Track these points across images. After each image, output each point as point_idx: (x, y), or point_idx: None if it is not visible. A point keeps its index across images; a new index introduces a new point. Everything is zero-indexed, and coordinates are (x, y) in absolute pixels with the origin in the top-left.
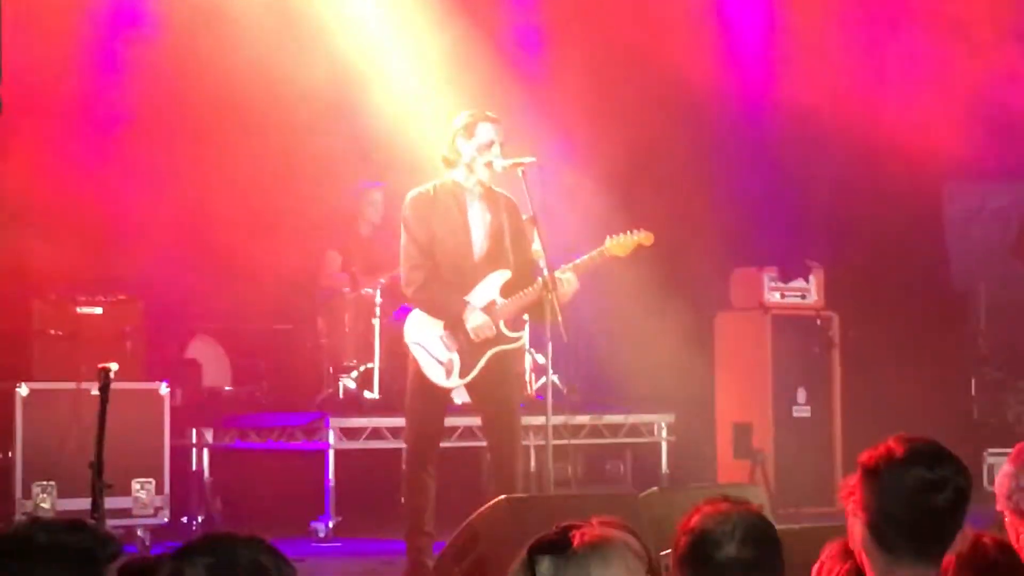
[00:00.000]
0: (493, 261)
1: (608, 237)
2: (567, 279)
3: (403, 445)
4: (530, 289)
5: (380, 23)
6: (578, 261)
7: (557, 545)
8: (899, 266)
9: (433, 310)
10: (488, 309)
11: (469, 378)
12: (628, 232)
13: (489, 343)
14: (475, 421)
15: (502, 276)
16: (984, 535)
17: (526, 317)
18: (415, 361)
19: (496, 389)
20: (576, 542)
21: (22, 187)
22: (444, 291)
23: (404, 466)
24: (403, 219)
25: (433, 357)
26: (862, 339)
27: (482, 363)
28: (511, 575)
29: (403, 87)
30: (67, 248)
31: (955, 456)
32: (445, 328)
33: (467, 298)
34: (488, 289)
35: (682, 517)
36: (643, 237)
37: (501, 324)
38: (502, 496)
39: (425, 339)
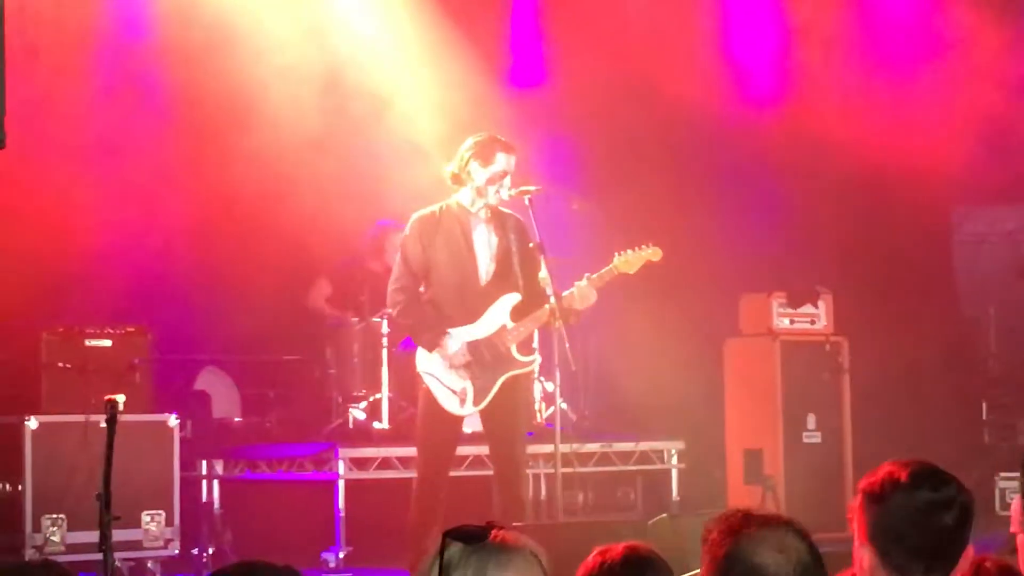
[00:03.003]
0: (501, 284)
1: (616, 254)
2: (583, 289)
3: (413, 475)
4: (541, 312)
5: (385, 50)
6: (592, 276)
7: (472, 535)
8: (908, 291)
9: (414, 332)
10: (499, 333)
11: (483, 404)
12: (636, 248)
13: (501, 368)
14: (484, 450)
15: (512, 299)
16: (987, 559)
17: (535, 344)
18: (427, 391)
19: (506, 416)
20: (490, 538)
21: (30, 219)
22: (426, 315)
23: (415, 495)
24: (402, 240)
25: (446, 387)
26: (872, 364)
27: (495, 389)
28: (427, 559)
29: (407, 116)
30: (76, 280)
31: (954, 476)
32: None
33: (477, 323)
34: (499, 313)
35: (693, 543)
36: (651, 253)
37: (513, 348)
38: (511, 524)
39: (437, 369)
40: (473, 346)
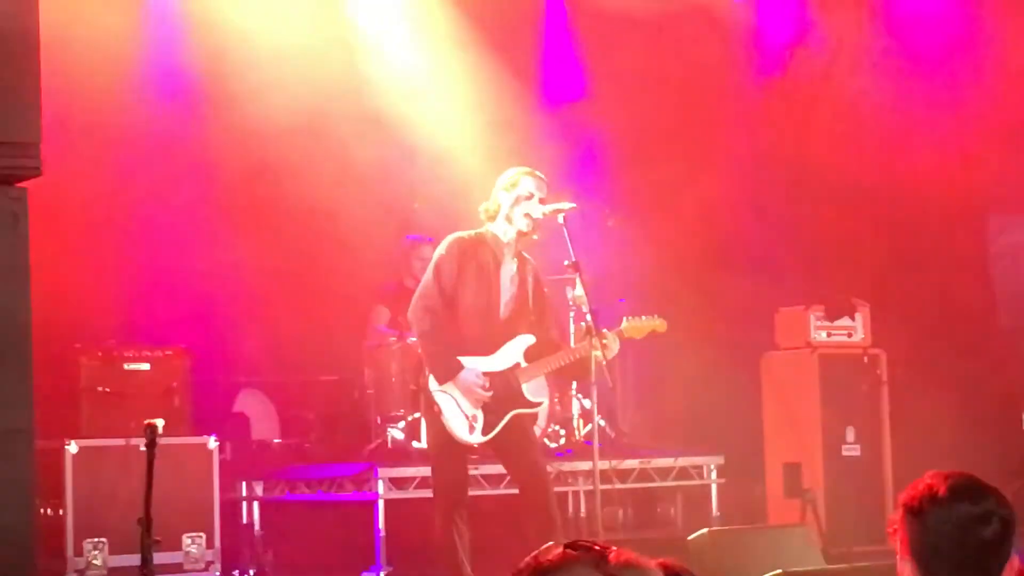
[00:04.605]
0: (516, 323)
1: (624, 319)
2: (611, 338)
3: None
4: (552, 358)
5: (421, 74)
6: (606, 332)
7: (594, 550)
8: (946, 301)
9: (430, 360)
10: (512, 370)
11: (491, 436)
12: (644, 317)
13: (511, 404)
14: None
15: (527, 340)
16: None
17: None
18: (438, 415)
19: (521, 441)
20: (612, 558)
21: (67, 243)
22: (446, 346)
23: (436, 516)
24: (437, 257)
25: (460, 409)
26: (910, 376)
27: (503, 423)
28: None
29: (445, 136)
30: (114, 304)
31: (994, 488)
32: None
33: (494, 356)
34: (513, 352)
35: (733, 557)
36: (658, 324)
37: (524, 388)
38: (551, 543)
39: (454, 390)
40: (486, 378)
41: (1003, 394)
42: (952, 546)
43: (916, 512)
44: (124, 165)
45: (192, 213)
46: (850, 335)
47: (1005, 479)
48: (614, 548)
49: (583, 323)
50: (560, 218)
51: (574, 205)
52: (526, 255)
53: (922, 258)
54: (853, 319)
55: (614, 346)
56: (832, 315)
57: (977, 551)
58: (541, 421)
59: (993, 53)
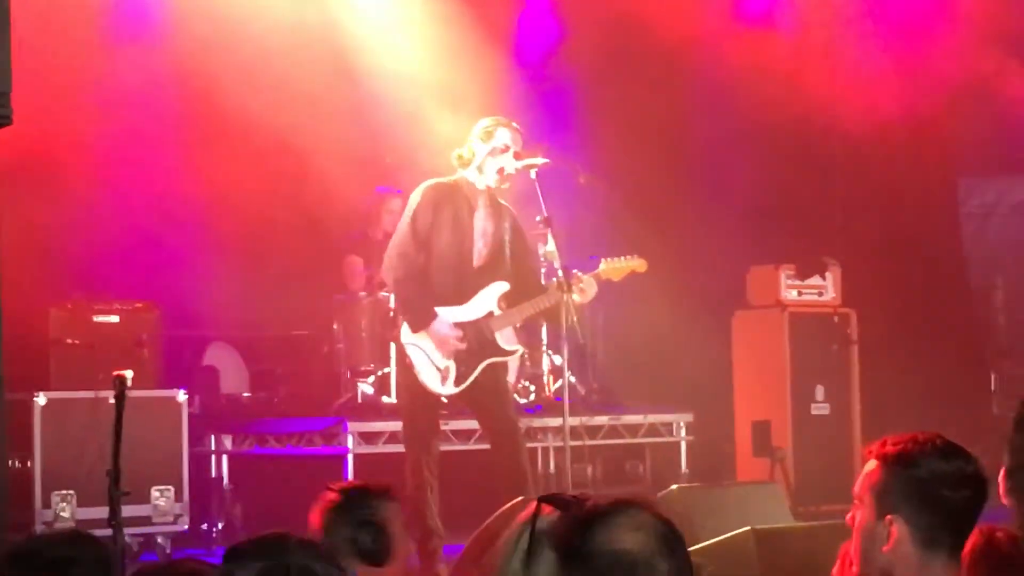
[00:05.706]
0: (490, 271)
1: (602, 260)
2: (588, 282)
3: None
4: (528, 304)
5: (396, 26)
6: (582, 276)
7: (568, 503)
8: (916, 262)
9: (404, 307)
10: (486, 319)
11: (463, 387)
12: (622, 257)
13: (484, 354)
14: None
15: (500, 288)
16: (997, 529)
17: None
18: (410, 367)
19: (493, 393)
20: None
21: (36, 194)
22: (421, 293)
23: (407, 471)
24: (413, 204)
25: (431, 362)
26: (880, 336)
27: (476, 373)
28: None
29: (418, 88)
30: (83, 256)
31: (963, 448)
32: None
33: (466, 305)
34: (487, 299)
35: (702, 515)
36: (637, 264)
37: (497, 336)
38: (521, 497)
39: (425, 342)
40: (459, 327)
41: (972, 354)
42: (926, 506)
43: (909, 463)
44: (89, 115)
45: (161, 166)
46: (821, 294)
47: (974, 438)
48: (590, 499)
49: (554, 279)
50: (532, 173)
51: (547, 160)
52: (504, 203)
53: (893, 219)
54: (824, 278)
55: (591, 290)
56: (803, 274)
57: (950, 511)
58: (511, 376)
59: (963, 16)
